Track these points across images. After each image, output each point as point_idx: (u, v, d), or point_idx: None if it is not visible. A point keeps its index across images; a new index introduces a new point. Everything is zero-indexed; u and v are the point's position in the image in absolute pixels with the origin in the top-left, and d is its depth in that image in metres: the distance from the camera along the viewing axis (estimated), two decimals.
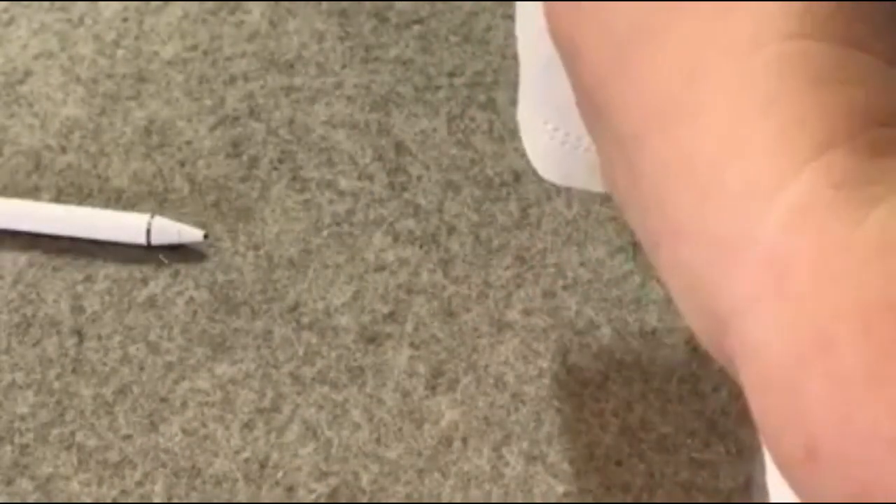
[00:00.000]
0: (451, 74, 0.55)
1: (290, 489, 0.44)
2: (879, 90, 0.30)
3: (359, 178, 0.52)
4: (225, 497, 0.44)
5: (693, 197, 0.30)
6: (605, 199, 0.51)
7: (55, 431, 0.46)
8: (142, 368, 0.47)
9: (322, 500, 0.44)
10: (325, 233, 0.51)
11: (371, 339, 0.48)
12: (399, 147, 0.53)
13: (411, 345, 0.48)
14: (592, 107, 0.35)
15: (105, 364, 0.47)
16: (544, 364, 0.47)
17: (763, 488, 0.34)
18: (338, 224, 0.51)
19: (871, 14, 0.32)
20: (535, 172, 0.43)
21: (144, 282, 0.49)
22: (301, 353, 0.47)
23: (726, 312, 0.29)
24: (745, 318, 0.28)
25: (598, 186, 0.39)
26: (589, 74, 0.35)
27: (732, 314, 0.29)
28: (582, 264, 0.50)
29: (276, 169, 0.52)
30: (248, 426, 0.46)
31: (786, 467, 0.27)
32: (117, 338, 0.48)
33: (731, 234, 0.29)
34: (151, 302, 0.49)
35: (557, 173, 0.45)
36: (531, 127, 0.44)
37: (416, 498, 0.44)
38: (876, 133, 0.29)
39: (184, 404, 0.46)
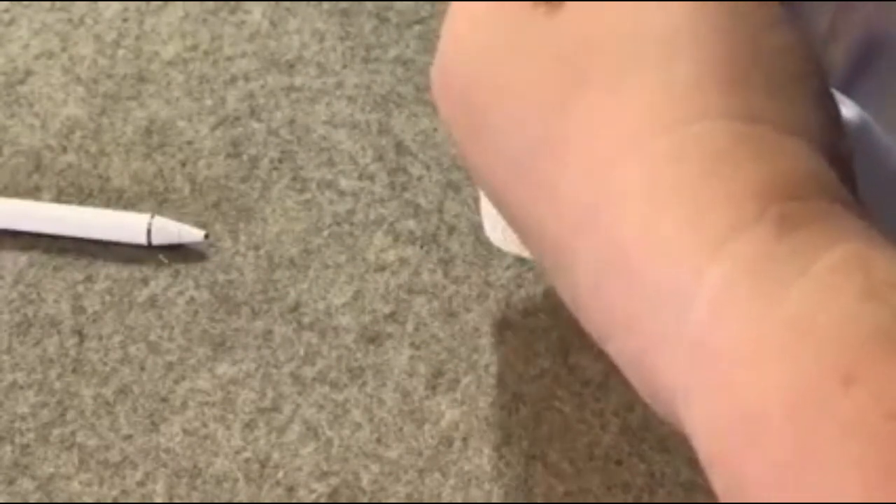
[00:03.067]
0: None
1: (291, 489, 0.44)
2: (781, 163, 0.30)
3: (359, 178, 0.52)
4: (225, 497, 0.44)
5: (621, 293, 0.30)
6: None
7: (56, 431, 0.46)
8: (142, 368, 0.47)
9: (322, 500, 0.44)
10: (325, 233, 0.51)
11: (371, 339, 0.48)
12: (399, 147, 0.53)
13: (412, 345, 0.48)
14: (513, 225, 0.35)
15: (105, 364, 0.47)
16: (544, 364, 0.47)
17: None
18: (338, 224, 0.51)
19: (764, 85, 0.31)
20: None
21: (144, 282, 0.49)
22: (301, 353, 0.47)
23: (671, 400, 0.30)
24: (683, 406, 0.29)
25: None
26: (500, 196, 0.35)
27: (675, 402, 0.29)
28: None
29: (276, 169, 0.52)
30: (248, 426, 0.46)
31: None
32: (117, 338, 0.48)
33: (660, 326, 0.29)
34: (152, 302, 0.49)
35: (498, 236, 0.45)
36: None
37: (416, 498, 0.44)
38: (783, 208, 0.29)
39: (184, 404, 0.46)
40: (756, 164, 0.29)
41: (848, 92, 0.38)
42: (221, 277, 0.49)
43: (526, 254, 0.46)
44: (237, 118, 0.54)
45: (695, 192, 0.29)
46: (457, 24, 0.36)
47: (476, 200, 0.51)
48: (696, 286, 0.28)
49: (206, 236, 0.50)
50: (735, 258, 0.28)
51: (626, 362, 0.31)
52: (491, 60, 0.34)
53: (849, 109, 0.37)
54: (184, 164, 0.53)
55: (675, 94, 0.31)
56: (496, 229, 0.45)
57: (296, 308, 0.49)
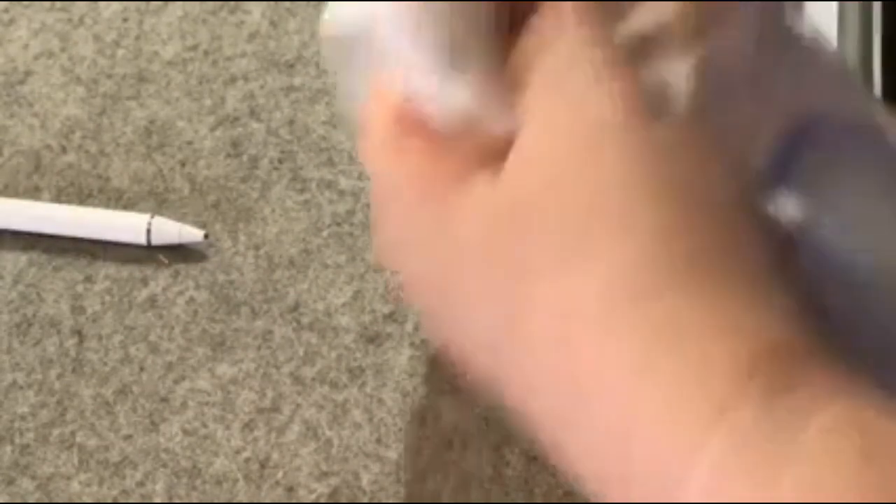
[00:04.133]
0: None
1: (291, 489, 0.44)
2: (756, 324, 0.29)
3: (359, 178, 0.52)
4: (225, 497, 0.44)
5: (609, 470, 0.30)
6: None
7: (56, 431, 0.46)
8: (142, 368, 0.47)
9: (322, 500, 0.44)
10: (325, 233, 0.51)
11: (371, 339, 0.48)
12: None
13: (411, 345, 0.48)
14: (499, 397, 0.34)
15: (105, 364, 0.47)
16: None
17: None
18: (338, 224, 0.51)
19: (720, 249, 0.30)
20: None
21: (144, 282, 0.49)
22: (301, 353, 0.47)
23: None
24: None
25: None
26: (475, 378, 0.34)
27: None
28: None
29: (276, 169, 0.52)
30: (248, 426, 0.46)
31: None
32: (117, 338, 0.48)
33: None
34: (151, 302, 0.49)
35: None
36: None
37: (416, 498, 0.44)
38: (768, 374, 0.28)
39: (184, 404, 0.46)
40: (731, 335, 0.29)
41: (786, 182, 0.37)
42: (221, 277, 0.49)
43: None
44: (237, 118, 0.54)
45: (673, 375, 0.28)
46: (383, 225, 0.35)
47: None
48: (687, 466, 0.28)
49: (206, 236, 0.50)
50: (723, 441, 0.27)
51: None
52: (424, 258, 0.33)
53: (791, 204, 0.36)
54: (183, 164, 0.53)
55: (632, 264, 0.29)
56: None
57: (295, 308, 0.49)
